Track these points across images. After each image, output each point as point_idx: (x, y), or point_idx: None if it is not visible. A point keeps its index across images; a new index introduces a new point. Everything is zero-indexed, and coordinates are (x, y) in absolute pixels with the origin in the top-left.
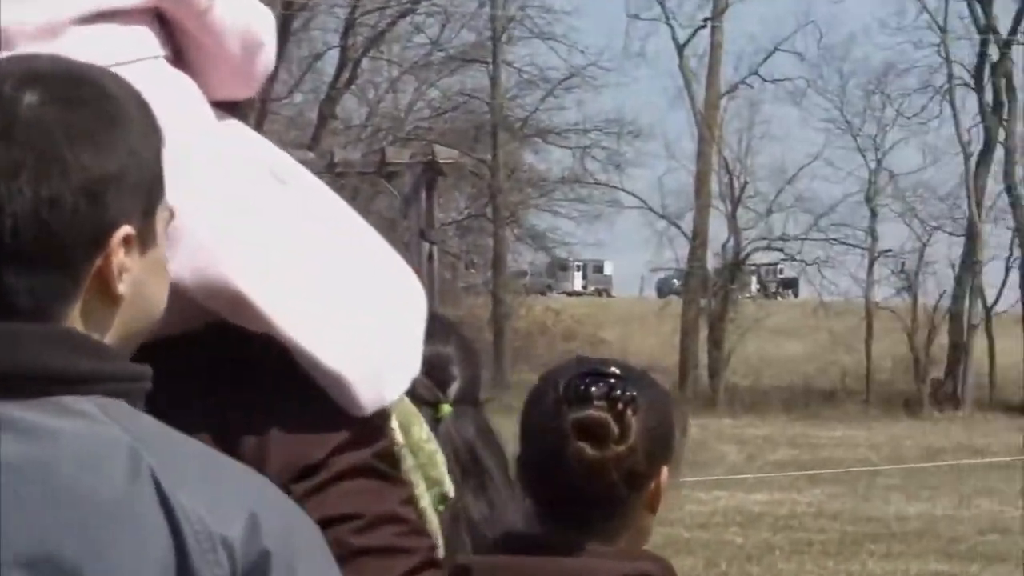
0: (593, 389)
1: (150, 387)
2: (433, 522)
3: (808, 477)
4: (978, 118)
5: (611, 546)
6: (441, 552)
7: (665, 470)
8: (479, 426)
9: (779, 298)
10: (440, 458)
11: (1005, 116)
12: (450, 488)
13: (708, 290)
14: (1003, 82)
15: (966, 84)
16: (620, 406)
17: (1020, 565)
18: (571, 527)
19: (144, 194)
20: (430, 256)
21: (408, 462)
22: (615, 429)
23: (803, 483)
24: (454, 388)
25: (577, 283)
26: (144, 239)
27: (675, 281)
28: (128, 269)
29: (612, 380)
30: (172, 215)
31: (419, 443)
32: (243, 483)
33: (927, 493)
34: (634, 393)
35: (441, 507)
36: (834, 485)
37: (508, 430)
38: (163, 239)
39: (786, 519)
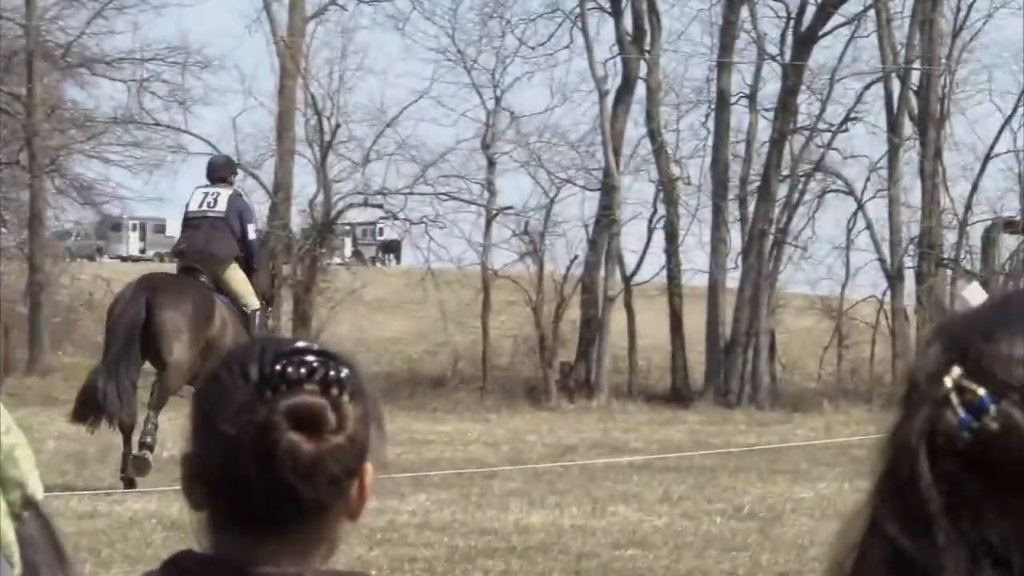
0: (302, 371)
1: None
2: (7, 534)
3: (412, 480)
4: (616, 49)
5: (307, 563)
6: (18, 568)
7: (370, 468)
8: None
9: (379, 265)
10: (22, 453)
11: (647, 47)
12: (37, 489)
13: (292, 255)
14: (644, 6)
15: (601, 8)
16: (335, 390)
17: None
18: (264, 541)
19: None
20: None
21: None
22: (332, 416)
23: (406, 488)
24: None
25: (134, 246)
26: None
27: None
28: None
29: (319, 359)
30: None
31: None
32: None
33: (554, 499)
34: (346, 373)
35: (25, 513)
36: (443, 490)
37: (49, 422)
38: None
39: (384, 531)
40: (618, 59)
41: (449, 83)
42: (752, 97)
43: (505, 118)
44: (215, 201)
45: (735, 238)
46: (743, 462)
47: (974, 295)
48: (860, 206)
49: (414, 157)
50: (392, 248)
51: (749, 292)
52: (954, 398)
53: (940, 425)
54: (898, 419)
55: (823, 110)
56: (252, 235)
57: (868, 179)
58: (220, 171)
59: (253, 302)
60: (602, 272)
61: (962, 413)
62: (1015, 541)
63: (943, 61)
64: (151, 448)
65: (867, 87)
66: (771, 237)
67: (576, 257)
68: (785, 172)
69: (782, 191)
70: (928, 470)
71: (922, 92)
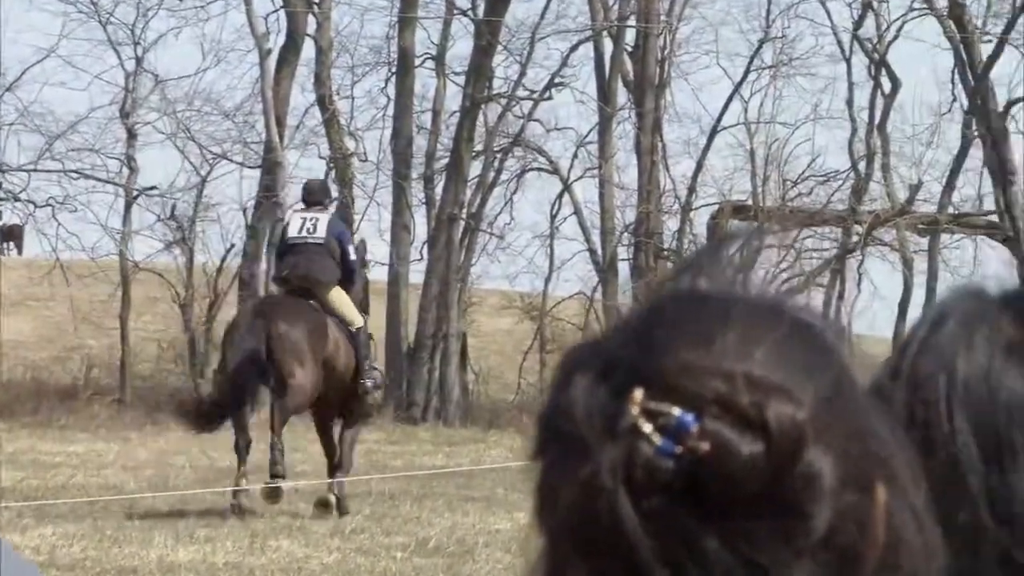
0: None
1: None
2: None
3: (35, 511)
4: (279, 1)
5: None
6: None
7: None
8: None
9: None
10: None
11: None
12: None
13: None
14: None
15: None
16: None
17: None
18: None
19: None
20: None
21: None
22: None
23: (28, 519)
24: None
25: None
26: None
27: None
28: None
29: None
30: None
31: None
32: None
33: (205, 532)
34: None
35: None
36: (72, 522)
37: None
38: None
39: None
40: (282, 13)
41: (81, 39)
42: (439, 59)
43: (148, 82)
44: (315, 227)
45: (420, 224)
46: (429, 488)
47: None
48: (566, 187)
49: (39, 127)
50: (12, 235)
51: (437, 288)
52: (644, 425)
53: (635, 459)
54: (553, 472)
55: (523, 75)
56: (352, 255)
57: (575, 156)
58: (316, 195)
59: (357, 320)
60: (263, 264)
61: (659, 440)
62: (743, 568)
63: (662, 18)
64: (283, 476)
65: (574, 48)
66: (462, 223)
67: (233, 246)
68: (479, 147)
69: (475, 169)
70: (633, 513)
71: (638, 54)
